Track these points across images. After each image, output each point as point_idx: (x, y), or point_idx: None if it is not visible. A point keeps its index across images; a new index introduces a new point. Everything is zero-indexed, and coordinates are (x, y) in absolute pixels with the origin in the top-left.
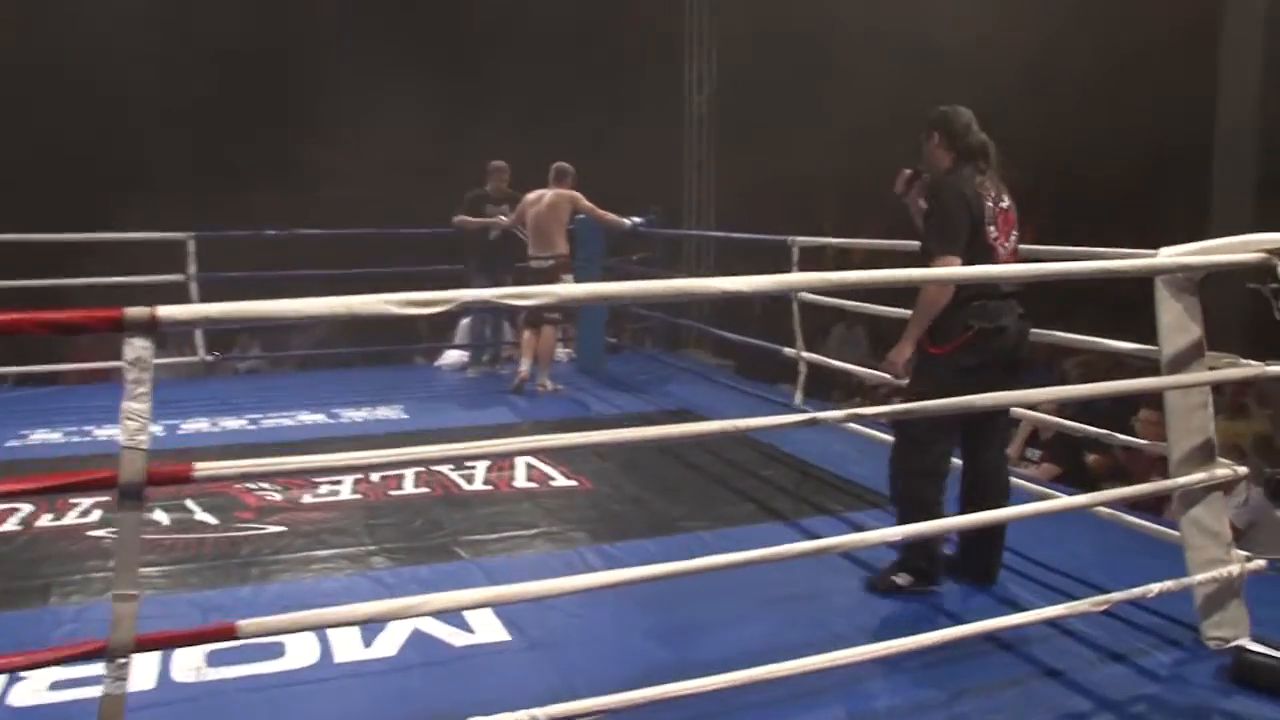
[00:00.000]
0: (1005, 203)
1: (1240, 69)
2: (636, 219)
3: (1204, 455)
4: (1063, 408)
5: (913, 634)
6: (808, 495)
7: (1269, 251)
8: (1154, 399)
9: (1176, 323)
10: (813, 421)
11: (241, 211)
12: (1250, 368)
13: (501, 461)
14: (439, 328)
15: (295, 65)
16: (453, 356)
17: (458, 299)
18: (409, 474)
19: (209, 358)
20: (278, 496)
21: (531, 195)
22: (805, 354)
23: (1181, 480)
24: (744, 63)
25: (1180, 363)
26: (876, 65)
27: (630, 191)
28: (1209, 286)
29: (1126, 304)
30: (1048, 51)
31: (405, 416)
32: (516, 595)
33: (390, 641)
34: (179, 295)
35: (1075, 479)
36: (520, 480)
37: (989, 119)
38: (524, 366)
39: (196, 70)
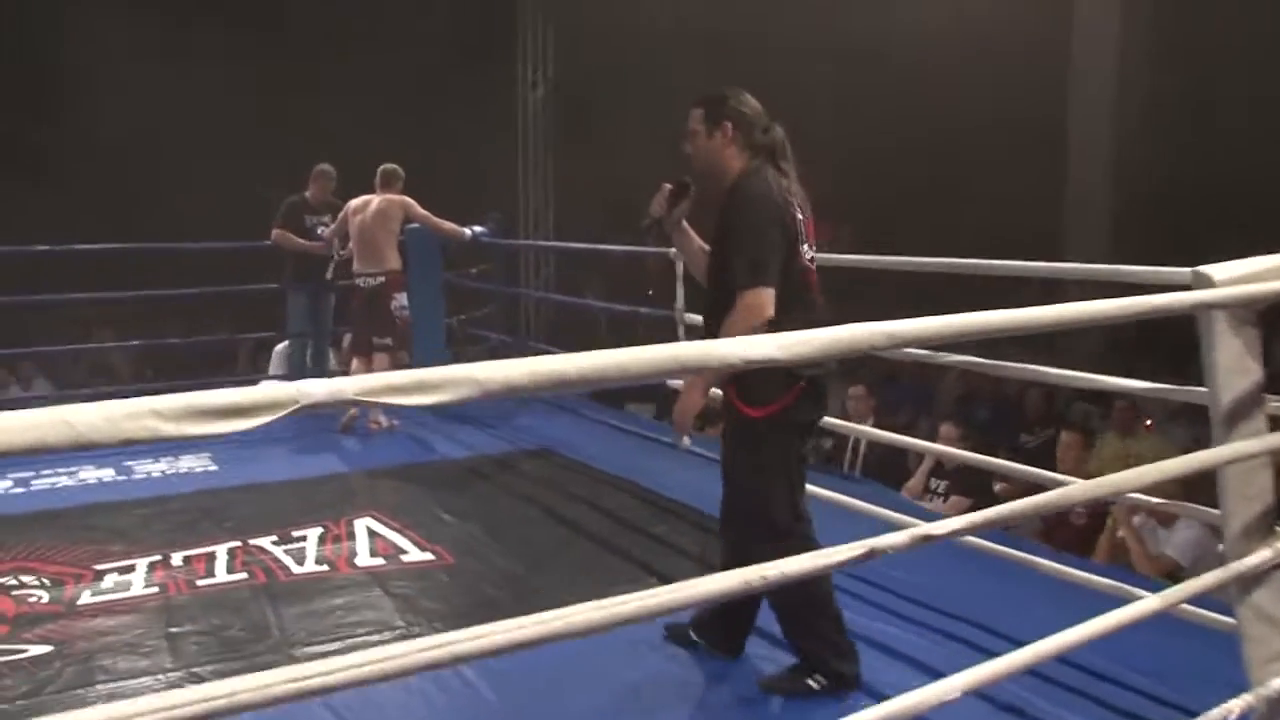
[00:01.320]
0: (806, 211)
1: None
2: (478, 228)
3: (1265, 527)
4: (966, 435)
5: None
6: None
7: None
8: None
9: (1235, 363)
10: (870, 555)
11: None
12: None
13: (336, 528)
14: (250, 354)
15: (50, 28)
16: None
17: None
18: (221, 552)
19: None
20: (44, 597)
21: (355, 202)
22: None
23: (1248, 563)
24: (582, 59)
25: (1240, 411)
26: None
27: (461, 199)
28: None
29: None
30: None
31: (213, 467)
32: None
33: None
34: None
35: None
36: (364, 555)
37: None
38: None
39: None
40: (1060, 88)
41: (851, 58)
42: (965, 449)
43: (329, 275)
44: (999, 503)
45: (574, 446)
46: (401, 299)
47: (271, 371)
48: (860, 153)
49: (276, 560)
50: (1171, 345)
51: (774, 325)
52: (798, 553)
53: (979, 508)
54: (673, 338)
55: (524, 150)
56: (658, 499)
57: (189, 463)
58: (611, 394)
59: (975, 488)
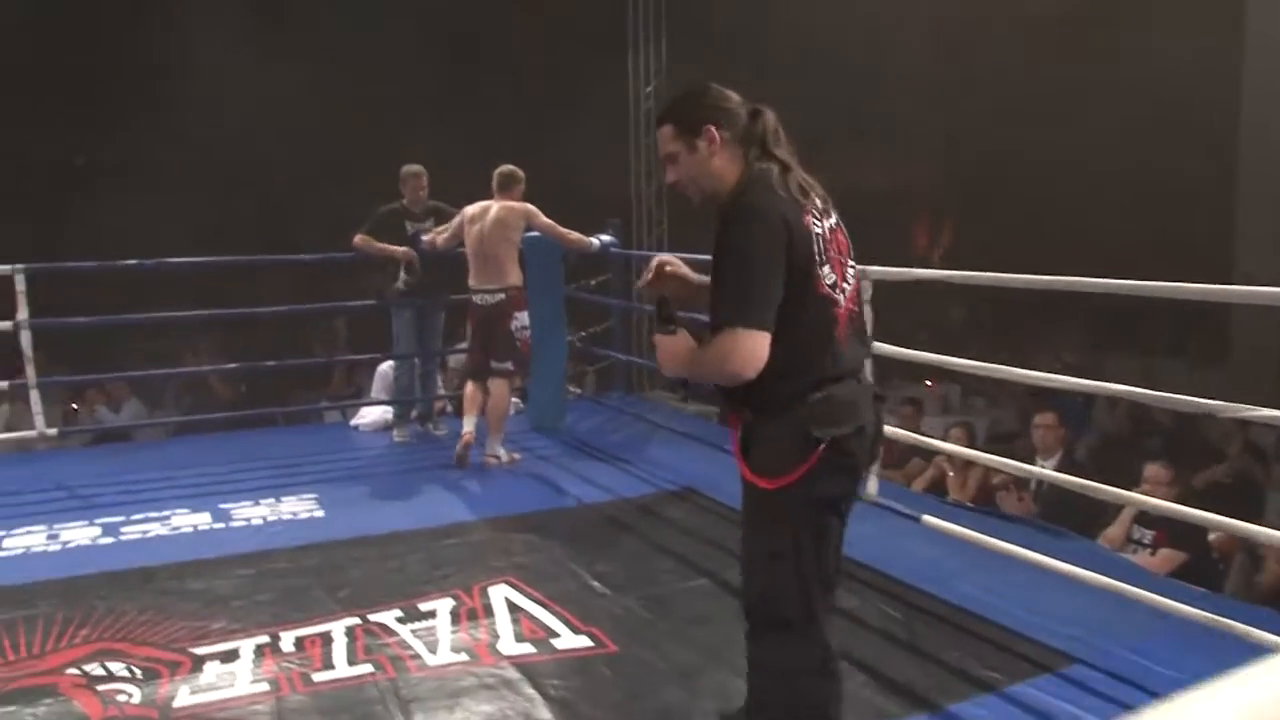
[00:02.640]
0: (832, 218)
1: None
2: (605, 237)
3: None
4: (1177, 478)
5: None
6: (921, 642)
7: None
8: None
9: None
10: None
11: (80, 233)
12: None
13: (469, 600)
14: (345, 372)
15: (139, 40)
16: (373, 414)
17: None
18: (338, 632)
19: (48, 431)
20: (135, 695)
21: (472, 209)
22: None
23: None
24: (695, 56)
25: None
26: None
27: (569, 205)
28: None
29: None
30: None
31: (319, 512)
32: None
33: None
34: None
35: (1199, 566)
36: (508, 640)
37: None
38: (468, 427)
39: None
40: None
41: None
42: (1173, 495)
43: (399, 285)
44: (1216, 558)
45: (718, 486)
46: (523, 318)
47: (374, 393)
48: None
49: (405, 645)
50: None
51: (782, 381)
52: (806, 657)
53: (1196, 564)
54: None
55: (635, 156)
56: None
57: (292, 505)
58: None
59: (1189, 538)
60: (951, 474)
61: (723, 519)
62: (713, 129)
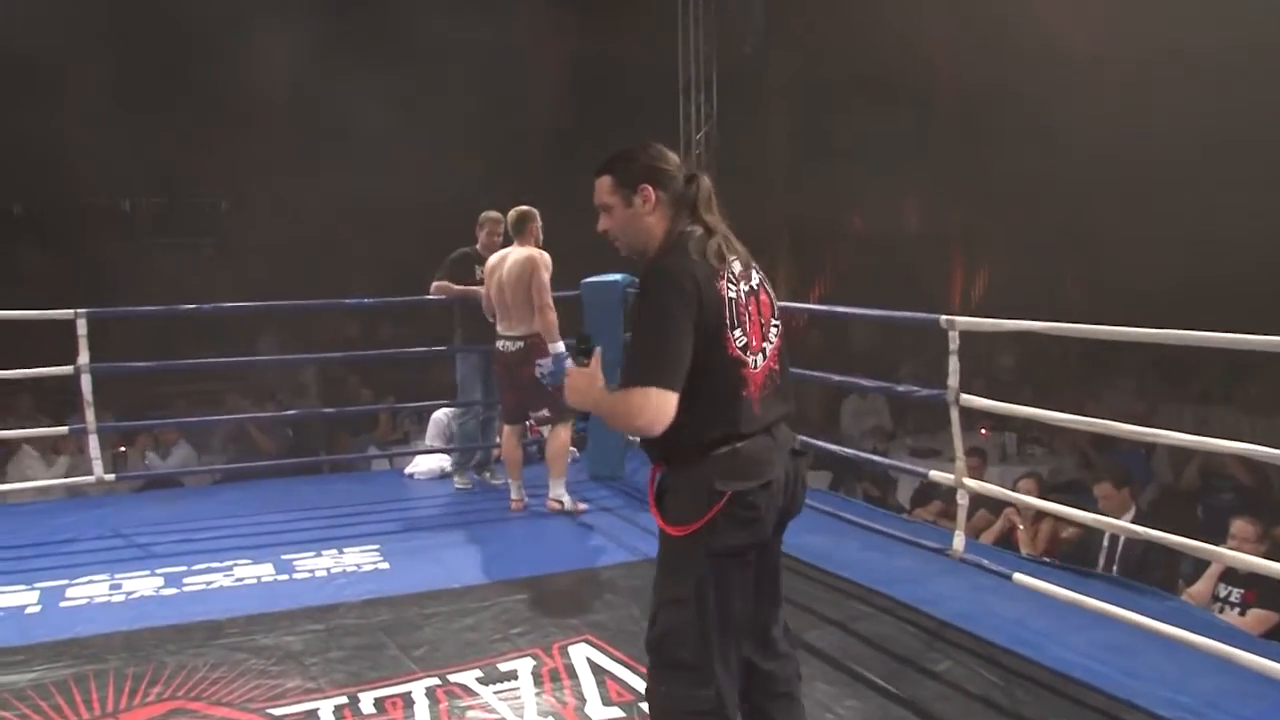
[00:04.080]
0: (754, 279)
1: None
2: (560, 348)
3: None
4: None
5: None
6: (1024, 710)
7: None
8: None
9: None
10: None
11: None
12: None
13: (549, 660)
14: (391, 418)
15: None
16: (428, 462)
17: None
18: (418, 693)
19: (106, 477)
20: None
21: (493, 259)
22: (970, 481)
23: None
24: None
25: None
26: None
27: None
28: None
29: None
30: None
31: (384, 564)
32: None
33: None
34: (63, 391)
35: None
36: (595, 703)
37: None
38: (515, 494)
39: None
40: None
41: None
42: (1265, 550)
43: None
44: None
45: (786, 539)
46: (546, 365)
47: (429, 441)
48: None
49: (489, 709)
50: None
51: (691, 435)
52: (699, 701)
53: None
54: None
55: None
56: (920, 618)
57: (355, 558)
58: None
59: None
60: (1021, 527)
61: (795, 573)
62: (650, 188)
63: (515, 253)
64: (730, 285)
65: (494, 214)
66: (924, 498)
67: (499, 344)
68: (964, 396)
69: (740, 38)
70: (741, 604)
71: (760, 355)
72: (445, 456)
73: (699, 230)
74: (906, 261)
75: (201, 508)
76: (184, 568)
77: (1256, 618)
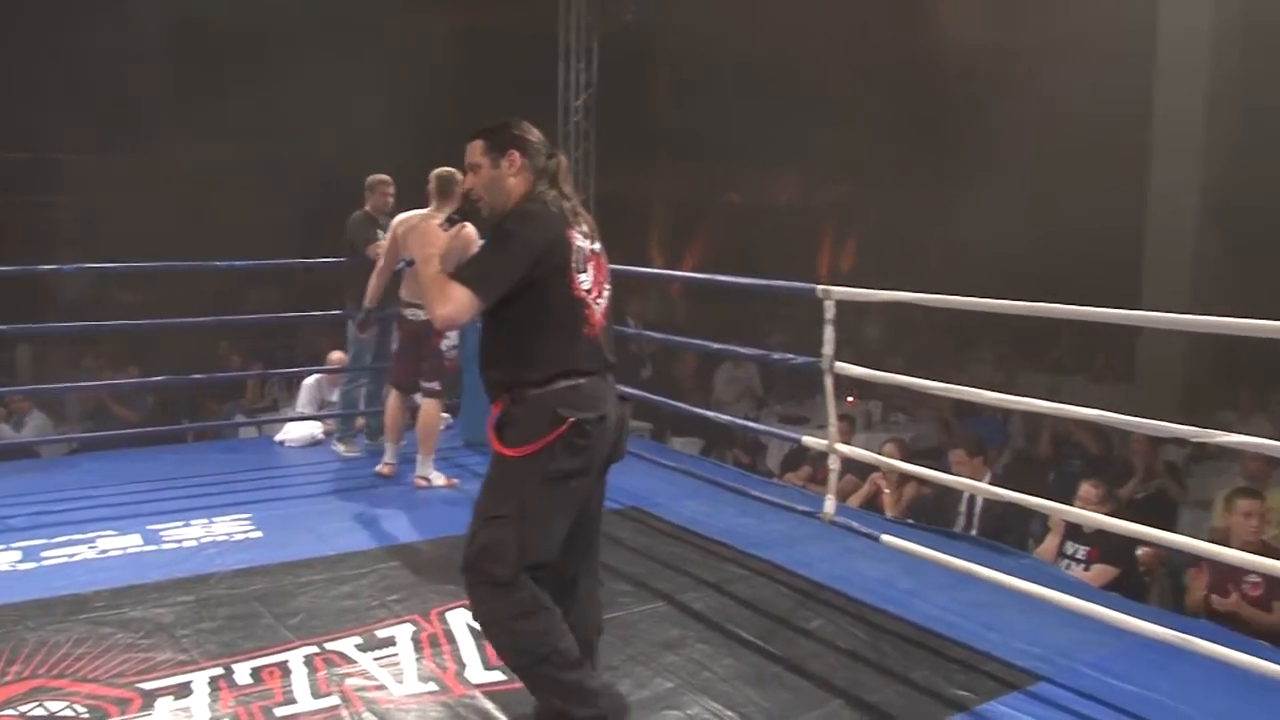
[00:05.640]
0: (596, 244)
1: None
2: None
3: None
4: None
5: None
6: (890, 663)
7: None
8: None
9: None
10: None
11: None
12: None
13: (428, 625)
14: (258, 386)
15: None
16: (301, 430)
17: None
18: (296, 661)
19: None
20: None
21: (401, 219)
22: (841, 446)
23: None
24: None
25: None
26: None
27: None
28: None
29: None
30: None
31: (256, 532)
32: None
33: None
34: None
35: (1128, 580)
36: (475, 667)
37: None
38: (389, 457)
39: None
40: None
41: None
42: (1107, 510)
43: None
44: (1142, 572)
45: (663, 503)
46: (453, 338)
47: (301, 407)
48: None
49: (368, 676)
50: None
51: (537, 369)
52: (514, 605)
53: (1125, 578)
54: None
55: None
56: (793, 579)
57: (226, 527)
58: (657, 429)
59: (1120, 554)
60: (887, 491)
61: (671, 538)
62: (516, 154)
63: (432, 215)
64: (579, 237)
65: (382, 176)
66: (794, 463)
67: (407, 312)
68: (837, 364)
69: (622, 6)
70: (560, 531)
71: (598, 306)
72: (318, 424)
73: (555, 194)
74: (781, 233)
75: (60, 479)
76: (43, 540)
77: (1099, 572)
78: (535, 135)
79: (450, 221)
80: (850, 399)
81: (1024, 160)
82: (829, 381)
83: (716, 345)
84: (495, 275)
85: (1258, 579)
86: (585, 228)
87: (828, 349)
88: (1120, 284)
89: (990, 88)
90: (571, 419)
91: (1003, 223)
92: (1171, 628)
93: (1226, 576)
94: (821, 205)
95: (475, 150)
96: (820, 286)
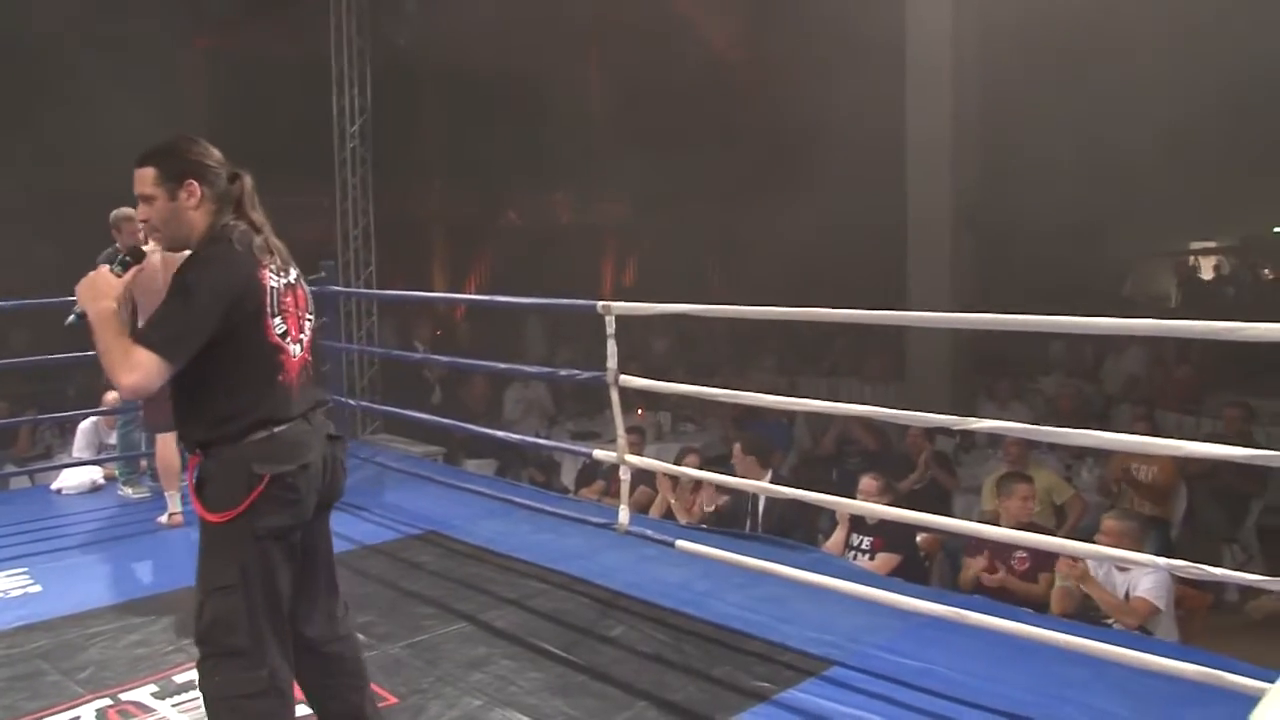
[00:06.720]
0: (291, 275)
1: None
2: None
3: None
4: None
5: None
6: (692, 662)
7: None
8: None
9: None
10: None
11: None
12: None
13: None
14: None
15: None
16: (78, 476)
17: None
18: (89, 716)
19: None
20: None
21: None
22: (631, 457)
23: None
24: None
25: None
26: None
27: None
28: None
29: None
30: None
31: (35, 586)
32: None
33: None
34: None
35: (910, 565)
36: None
37: None
38: (174, 506)
39: None
40: None
41: None
42: (887, 502)
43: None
44: (922, 557)
45: (460, 526)
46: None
47: (77, 453)
48: None
49: None
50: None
51: (229, 422)
52: (252, 682)
53: (908, 564)
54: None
55: (342, 197)
56: (593, 590)
57: (1, 584)
58: (450, 452)
59: (902, 542)
60: (673, 500)
61: (470, 558)
62: (195, 183)
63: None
64: (272, 276)
65: (129, 211)
66: (587, 478)
67: None
68: (622, 377)
69: (394, 31)
70: (287, 586)
71: (298, 345)
72: (96, 469)
73: (243, 225)
74: (562, 254)
75: None
76: None
77: (883, 560)
78: (214, 156)
79: (123, 265)
80: (640, 412)
81: (795, 176)
82: (615, 395)
83: (503, 365)
84: (183, 336)
85: (1024, 554)
86: (278, 262)
87: (612, 363)
88: (887, 289)
89: (758, 106)
90: (268, 475)
91: (777, 235)
92: (948, 605)
93: (996, 554)
94: (602, 223)
95: (146, 180)
96: (601, 303)
